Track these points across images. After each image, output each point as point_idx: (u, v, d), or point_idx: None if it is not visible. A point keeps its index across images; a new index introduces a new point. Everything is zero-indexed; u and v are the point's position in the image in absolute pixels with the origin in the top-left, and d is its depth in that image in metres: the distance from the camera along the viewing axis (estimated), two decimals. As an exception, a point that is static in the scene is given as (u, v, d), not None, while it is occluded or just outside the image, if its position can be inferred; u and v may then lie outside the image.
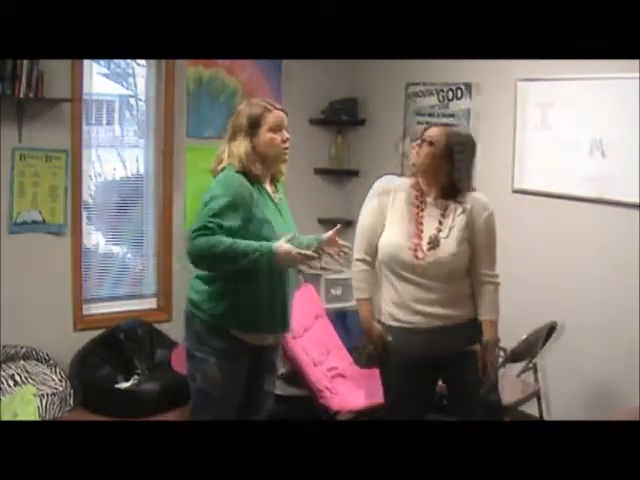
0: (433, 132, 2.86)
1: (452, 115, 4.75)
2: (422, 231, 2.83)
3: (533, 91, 4.21)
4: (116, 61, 4.89)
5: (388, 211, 2.90)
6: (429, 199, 2.88)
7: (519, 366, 3.89)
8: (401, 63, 4.83)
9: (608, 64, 3.48)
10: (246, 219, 2.59)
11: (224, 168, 2.67)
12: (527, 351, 3.70)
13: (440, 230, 2.83)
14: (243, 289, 2.64)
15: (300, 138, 5.35)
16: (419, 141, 2.87)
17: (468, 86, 4.64)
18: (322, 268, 2.93)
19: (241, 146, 2.64)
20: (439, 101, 4.85)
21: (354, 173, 5.50)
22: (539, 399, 3.88)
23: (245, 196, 2.59)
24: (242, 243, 2.52)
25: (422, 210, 2.87)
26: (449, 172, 2.83)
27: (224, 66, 5.02)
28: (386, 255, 2.88)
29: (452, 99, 4.76)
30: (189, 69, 4.90)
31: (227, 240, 2.51)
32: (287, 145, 2.71)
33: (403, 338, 2.89)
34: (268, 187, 2.76)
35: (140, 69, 4.96)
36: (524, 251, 4.35)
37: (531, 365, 3.88)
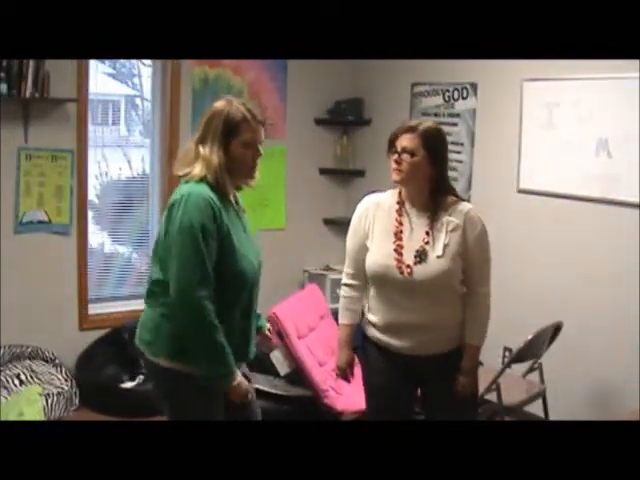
0: (407, 141, 2.66)
1: (458, 115, 4.75)
2: (402, 247, 2.69)
3: (539, 91, 4.20)
4: (122, 61, 4.91)
5: (370, 229, 2.77)
6: (413, 210, 2.74)
7: (524, 366, 3.89)
8: (407, 63, 4.83)
9: (615, 64, 3.47)
10: (218, 248, 2.39)
11: (198, 179, 2.42)
12: (532, 351, 3.69)
13: (427, 242, 2.67)
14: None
15: (305, 138, 5.40)
16: (396, 155, 2.68)
17: (474, 86, 4.64)
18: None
19: (214, 155, 2.42)
20: (445, 101, 4.85)
21: (359, 173, 5.50)
22: (544, 399, 3.87)
23: (215, 227, 2.37)
24: (226, 353, 2.38)
25: (402, 224, 2.73)
26: (432, 177, 2.69)
27: (230, 66, 5.03)
28: (372, 274, 2.75)
29: (458, 99, 4.75)
30: (195, 69, 4.91)
31: (221, 338, 2.36)
32: (257, 163, 2.50)
33: (387, 360, 2.81)
34: (233, 202, 2.54)
35: (146, 69, 4.98)
36: (529, 251, 4.35)
37: (536, 365, 3.87)
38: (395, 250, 2.70)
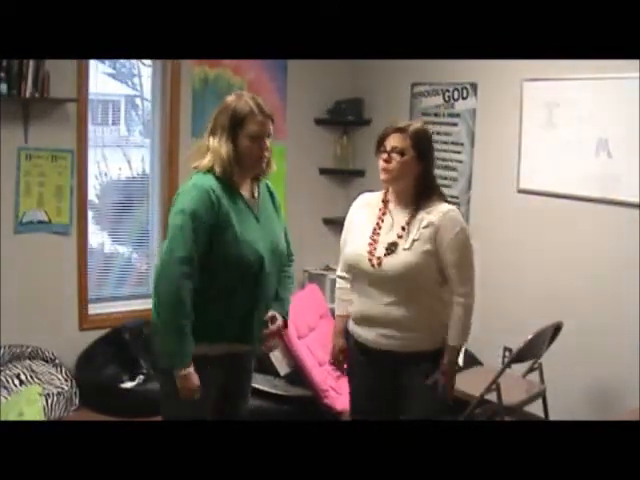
0: (397, 140, 2.69)
1: (458, 115, 4.74)
2: (377, 241, 2.73)
3: (539, 91, 4.20)
4: (122, 61, 4.91)
5: (355, 225, 2.85)
6: (396, 208, 2.77)
7: (524, 366, 3.89)
8: (407, 63, 4.82)
9: (615, 64, 3.46)
10: (214, 236, 2.49)
11: (206, 170, 2.54)
12: (532, 351, 3.69)
13: (401, 237, 2.70)
14: (209, 302, 2.55)
15: (305, 138, 5.40)
16: (385, 154, 2.71)
17: (474, 86, 4.63)
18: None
19: (223, 147, 2.52)
20: (445, 101, 4.85)
21: (359, 173, 5.49)
22: (544, 399, 3.87)
23: (212, 215, 2.47)
24: (185, 335, 2.45)
25: (383, 221, 2.77)
26: (419, 176, 2.72)
27: (230, 66, 5.03)
28: (348, 265, 2.84)
29: (458, 99, 4.75)
30: (195, 69, 4.90)
31: (185, 321, 2.45)
32: (265, 155, 2.58)
33: (363, 354, 2.84)
34: (246, 192, 2.62)
35: (146, 69, 4.98)
36: (529, 251, 4.35)
37: (536, 365, 3.87)
38: (369, 243, 2.74)
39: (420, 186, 2.74)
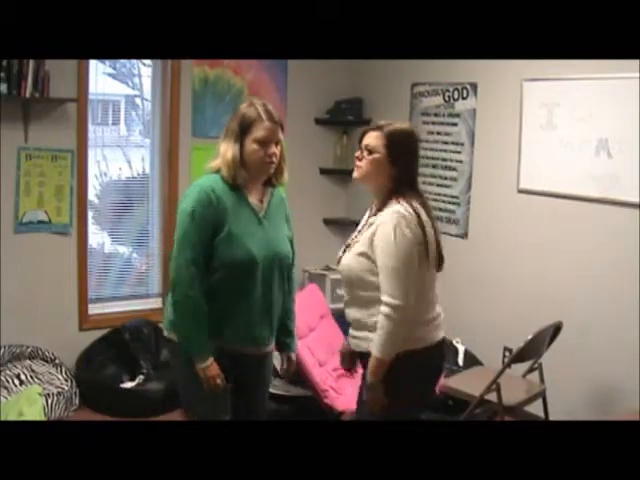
0: (370, 138, 2.65)
1: (458, 115, 4.74)
2: (349, 244, 2.74)
3: (539, 91, 4.20)
4: (122, 61, 4.91)
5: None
6: (373, 208, 2.71)
7: (524, 366, 3.89)
8: (407, 63, 4.83)
9: (615, 64, 3.47)
10: (214, 234, 2.57)
11: (215, 170, 2.65)
12: (532, 351, 3.69)
13: (356, 237, 2.71)
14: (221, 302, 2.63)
15: (305, 138, 5.39)
16: (358, 152, 2.68)
17: (474, 86, 4.63)
18: None
19: (229, 151, 2.60)
20: (445, 101, 4.85)
21: (359, 173, 5.49)
22: (544, 399, 3.87)
23: (211, 213, 2.57)
24: (201, 332, 2.59)
25: (366, 223, 2.75)
26: (394, 177, 2.62)
27: (230, 66, 5.03)
28: None
29: (458, 99, 4.75)
30: (195, 69, 4.90)
31: (201, 318, 2.58)
32: (272, 160, 2.63)
33: None
34: (254, 196, 2.69)
35: (146, 69, 4.98)
36: (529, 251, 4.35)
37: (536, 365, 3.87)
38: (345, 245, 2.79)
39: (396, 187, 2.63)
